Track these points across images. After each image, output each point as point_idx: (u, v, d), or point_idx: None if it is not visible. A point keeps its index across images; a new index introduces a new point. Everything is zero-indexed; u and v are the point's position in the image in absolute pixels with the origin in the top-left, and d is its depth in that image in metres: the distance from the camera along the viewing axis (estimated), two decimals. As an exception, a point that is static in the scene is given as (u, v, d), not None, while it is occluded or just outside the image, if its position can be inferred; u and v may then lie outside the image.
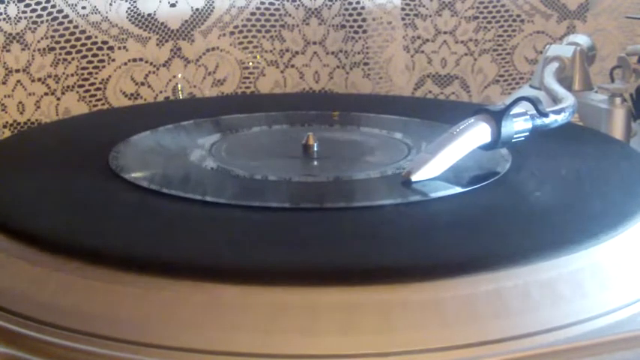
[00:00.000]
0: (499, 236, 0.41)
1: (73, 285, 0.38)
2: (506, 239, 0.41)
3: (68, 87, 0.79)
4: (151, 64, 0.81)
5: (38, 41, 0.76)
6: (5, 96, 0.76)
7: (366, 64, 0.87)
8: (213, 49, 0.83)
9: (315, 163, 0.53)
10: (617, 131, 0.64)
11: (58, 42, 0.78)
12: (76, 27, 0.78)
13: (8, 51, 0.75)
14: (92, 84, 0.80)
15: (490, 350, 0.35)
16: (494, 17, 0.89)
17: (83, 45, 0.79)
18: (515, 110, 0.49)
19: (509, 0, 0.89)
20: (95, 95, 0.80)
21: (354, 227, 0.42)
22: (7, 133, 0.77)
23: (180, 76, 0.82)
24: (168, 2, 0.81)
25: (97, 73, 0.80)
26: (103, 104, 0.81)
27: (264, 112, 0.64)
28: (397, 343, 0.35)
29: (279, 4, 0.85)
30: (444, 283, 0.37)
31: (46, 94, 0.78)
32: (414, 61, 0.90)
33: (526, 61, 0.90)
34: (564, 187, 0.48)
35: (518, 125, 0.49)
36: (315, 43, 0.86)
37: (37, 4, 0.76)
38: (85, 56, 0.79)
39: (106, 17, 0.78)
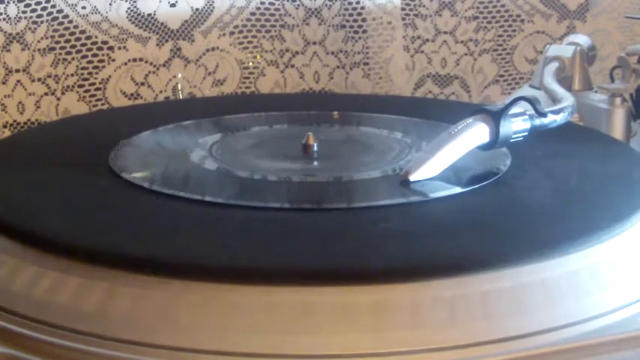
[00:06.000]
0: (498, 236, 0.41)
1: (72, 285, 0.38)
2: (505, 239, 0.41)
3: (68, 87, 0.79)
4: (151, 64, 0.81)
5: (38, 41, 0.76)
6: (5, 96, 0.76)
7: (366, 64, 0.87)
8: (213, 49, 0.83)
9: (315, 163, 0.53)
10: (617, 131, 0.64)
11: (58, 42, 0.78)
12: (76, 27, 0.78)
13: (8, 51, 0.75)
14: (92, 84, 0.80)
15: (490, 350, 0.35)
16: (494, 17, 0.89)
17: (83, 45, 0.79)
18: (514, 110, 0.49)
19: (509, 0, 0.89)
20: (95, 95, 0.80)
21: (354, 227, 0.42)
22: (7, 133, 0.77)
23: (180, 76, 0.82)
24: (168, 2, 0.81)
25: (97, 73, 0.80)
26: (103, 104, 0.81)
27: (264, 112, 0.64)
28: (395, 343, 0.35)
29: (279, 4, 0.85)
30: (445, 283, 0.37)
31: (46, 94, 0.78)
32: (414, 61, 0.90)
33: (526, 61, 0.90)
34: (564, 186, 0.48)
35: (516, 125, 0.49)
36: (315, 43, 0.86)
37: (37, 4, 0.76)
38: (85, 56, 0.79)
39: (106, 17, 0.78)
